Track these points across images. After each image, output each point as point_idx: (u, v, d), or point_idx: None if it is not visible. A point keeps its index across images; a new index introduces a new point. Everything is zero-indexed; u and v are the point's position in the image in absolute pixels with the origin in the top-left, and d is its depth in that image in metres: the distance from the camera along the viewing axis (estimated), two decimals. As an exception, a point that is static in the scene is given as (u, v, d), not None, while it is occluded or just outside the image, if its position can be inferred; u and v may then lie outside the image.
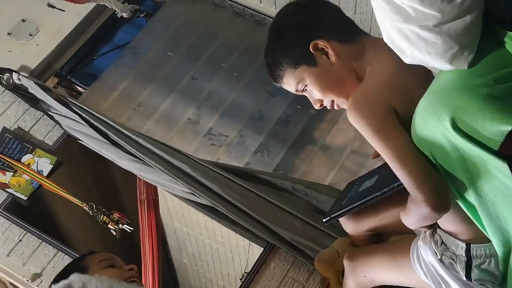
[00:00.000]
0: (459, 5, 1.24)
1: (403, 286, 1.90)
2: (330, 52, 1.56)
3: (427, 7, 1.24)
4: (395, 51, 1.38)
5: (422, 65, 1.38)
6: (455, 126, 1.27)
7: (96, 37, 3.42)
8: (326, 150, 2.89)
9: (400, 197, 1.57)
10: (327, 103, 1.66)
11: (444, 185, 1.40)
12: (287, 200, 2.50)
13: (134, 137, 2.60)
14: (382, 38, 1.41)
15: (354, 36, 1.61)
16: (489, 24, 1.31)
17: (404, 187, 1.44)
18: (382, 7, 1.30)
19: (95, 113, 2.71)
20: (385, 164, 1.51)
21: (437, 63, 1.32)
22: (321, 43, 1.55)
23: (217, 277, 5.15)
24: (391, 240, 2.05)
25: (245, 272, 4.77)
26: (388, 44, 1.39)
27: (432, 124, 1.32)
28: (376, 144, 1.44)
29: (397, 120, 1.44)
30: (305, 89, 1.64)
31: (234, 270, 4.83)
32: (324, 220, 1.89)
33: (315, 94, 1.64)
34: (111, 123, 2.66)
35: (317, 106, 1.67)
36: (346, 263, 1.97)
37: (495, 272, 1.52)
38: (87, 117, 2.70)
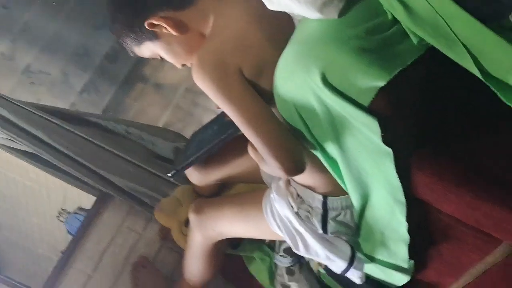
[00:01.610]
0: None
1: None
2: (166, 27, 1.40)
3: None
4: None
5: (283, 13, 1.28)
6: (325, 81, 1.19)
7: None
8: (159, 89, 2.74)
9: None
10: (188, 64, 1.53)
11: (299, 149, 1.35)
12: (121, 145, 2.32)
13: None
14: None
15: None
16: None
17: None
18: None
19: None
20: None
21: (305, 10, 1.21)
22: (155, 21, 1.39)
23: (31, 215, 4.90)
24: (238, 189, 1.99)
25: (62, 209, 4.57)
26: None
27: (299, 77, 1.23)
28: (225, 108, 1.33)
29: (245, 82, 1.32)
30: (161, 58, 1.51)
31: (50, 208, 4.60)
32: (169, 174, 1.77)
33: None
34: None
35: (179, 67, 1.54)
36: (192, 216, 1.87)
37: (350, 224, 1.51)
38: None
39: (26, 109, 2.27)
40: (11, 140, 2.26)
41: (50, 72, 2.66)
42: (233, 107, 1.32)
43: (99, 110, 2.61)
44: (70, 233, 4.71)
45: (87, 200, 4.22)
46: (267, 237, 1.74)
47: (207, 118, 2.49)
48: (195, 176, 1.91)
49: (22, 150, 2.31)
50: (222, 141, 1.65)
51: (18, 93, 2.53)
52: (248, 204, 1.70)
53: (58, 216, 4.62)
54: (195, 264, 1.95)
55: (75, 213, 4.48)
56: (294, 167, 1.34)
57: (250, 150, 1.43)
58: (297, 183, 1.53)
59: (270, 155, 1.32)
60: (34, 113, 2.26)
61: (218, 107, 1.50)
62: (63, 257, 2.28)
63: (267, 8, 1.28)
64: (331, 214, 1.50)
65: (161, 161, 2.34)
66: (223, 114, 1.70)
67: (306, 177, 1.47)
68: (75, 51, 2.71)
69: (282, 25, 1.39)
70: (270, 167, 1.37)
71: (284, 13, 1.28)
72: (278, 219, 1.58)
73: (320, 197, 1.50)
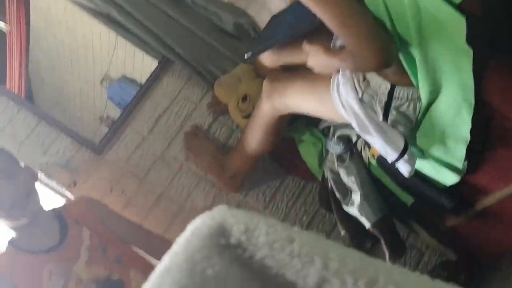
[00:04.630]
0: None
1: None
2: None
3: None
4: None
5: None
6: None
7: None
8: (227, -35, 2.70)
9: (325, 35, 1.51)
10: None
11: (390, 41, 1.34)
12: (186, 15, 2.33)
13: None
14: None
15: None
16: None
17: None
18: None
19: None
20: None
21: None
22: None
23: (73, 77, 4.98)
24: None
25: (106, 76, 4.64)
26: None
27: None
28: (313, 8, 1.32)
29: None
30: None
31: (95, 73, 4.67)
32: (246, 56, 1.80)
33: None
34: None
35: None
36: (265, 84, 1.89)
37: (411, 117, 1.54)
38: None
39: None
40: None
41: None
42: (321, 6, 1.31)
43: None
44: (111, 100, 4.82)
45: (132, 70, 4.28)
46: (330, 116, 1.75)
47: (273, 3, 2.47)
48: (268, 57, 1.94)
49: (94, 9, 2.34)
50: (302, 30, 1.65)
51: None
52: (319, 80, 1.72)
53: (101, 82, 4.70)
54: (255, 135, 2.02)
55: (119, 80, 4.56)
56: (385, 58, 1.35)
57: (308, 47, 1.46)
58: None
59: (362, 46, 1.32)
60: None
61: None
62: (119, 117, 2.36)
63: None
64: (395, 103, 1.52)
65: (223, 35, 2.36)
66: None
67: None
68: None
69: None
70: (359, 60, 1.37)
71: None
72: (343, 101, 1.61)
73: (388, 85, 1.51)
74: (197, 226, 0.55)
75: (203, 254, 0.52)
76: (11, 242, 1.85)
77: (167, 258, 0.54)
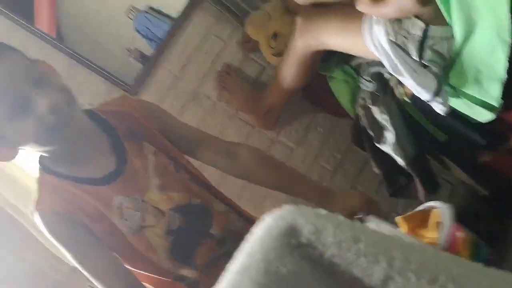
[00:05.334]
0: None
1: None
2: None
3: None
4: None
5: None
6: None
7: None
8: None
9: None
10: None
11: None
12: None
13: None
14: None
15: None
16: None
17: None
18: None
19: None
20: None
21: None
22: None
23: (100, 8, 4.93)
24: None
25: (132, 7, 4.62)
26: None
27: None
28: None
29: None
30: None
31: (120, 3, 4.63)
32: None
33: None
34: None
35: None
36: (299, 22, 1.90)
37: (445, 55, 1.53)
38: None
39: None
40: None
41: None
42: None
43: None
44: (138, 31, 4.81)
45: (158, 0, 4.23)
46: (363, 54, 1.75)
47: None
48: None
49: None
50: None
51: None
52: (351, 18, 1.69)
53: (127, 13, 4.67)
54: (289, 70, 2.06)
55: (145, 12, 4.53)
56: None
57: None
58: None
59: None
60: None
61: None
62: (152, 56, 2.37)
63: None
64: (429, 42, 1.51)
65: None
66: None
67: None
68: None
69: None
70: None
71: None
72: (375, 42, 1.60)
73: (423, 25, 1.50)
74: (269, 227, 0.59)
75: (276, 253, 0.56)
76: (57, 174, 1.39)
77: (242, 257, 0.57)
